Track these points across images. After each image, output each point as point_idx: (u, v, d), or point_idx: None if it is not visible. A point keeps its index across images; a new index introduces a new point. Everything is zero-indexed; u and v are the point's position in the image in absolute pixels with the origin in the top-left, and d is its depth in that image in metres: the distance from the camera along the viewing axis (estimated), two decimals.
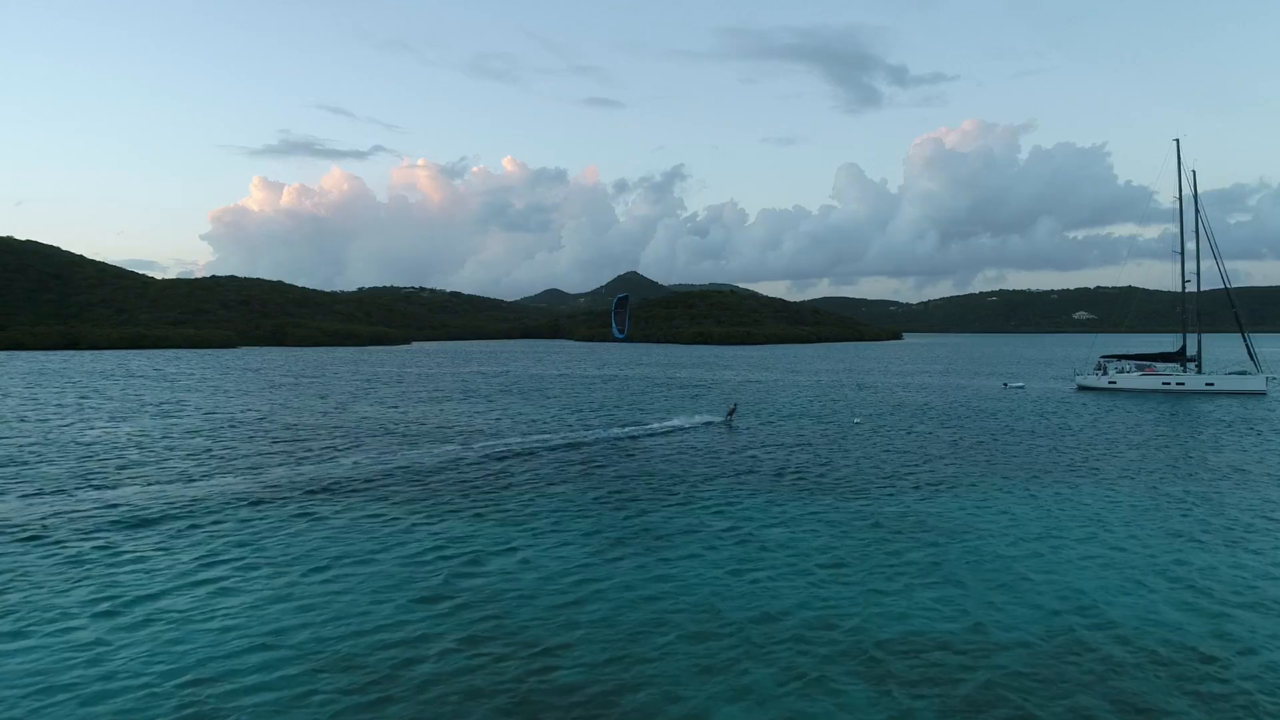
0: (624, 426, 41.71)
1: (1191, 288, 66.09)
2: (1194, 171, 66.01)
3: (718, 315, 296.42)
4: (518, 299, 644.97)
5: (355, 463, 30.02)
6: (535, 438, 37.30)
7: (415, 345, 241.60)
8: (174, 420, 43.26)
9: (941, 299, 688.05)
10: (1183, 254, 65.61)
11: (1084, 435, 39.03)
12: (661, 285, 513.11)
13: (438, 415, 47.36)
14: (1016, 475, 28.41)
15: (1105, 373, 68.22)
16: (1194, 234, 65.09)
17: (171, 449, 33.24)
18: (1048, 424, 43.69)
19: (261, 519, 21.10)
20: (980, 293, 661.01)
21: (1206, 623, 14.12)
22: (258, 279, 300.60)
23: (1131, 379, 66.34)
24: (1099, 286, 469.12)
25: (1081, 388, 68.28)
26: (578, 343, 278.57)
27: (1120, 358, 70.26)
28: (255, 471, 28.04)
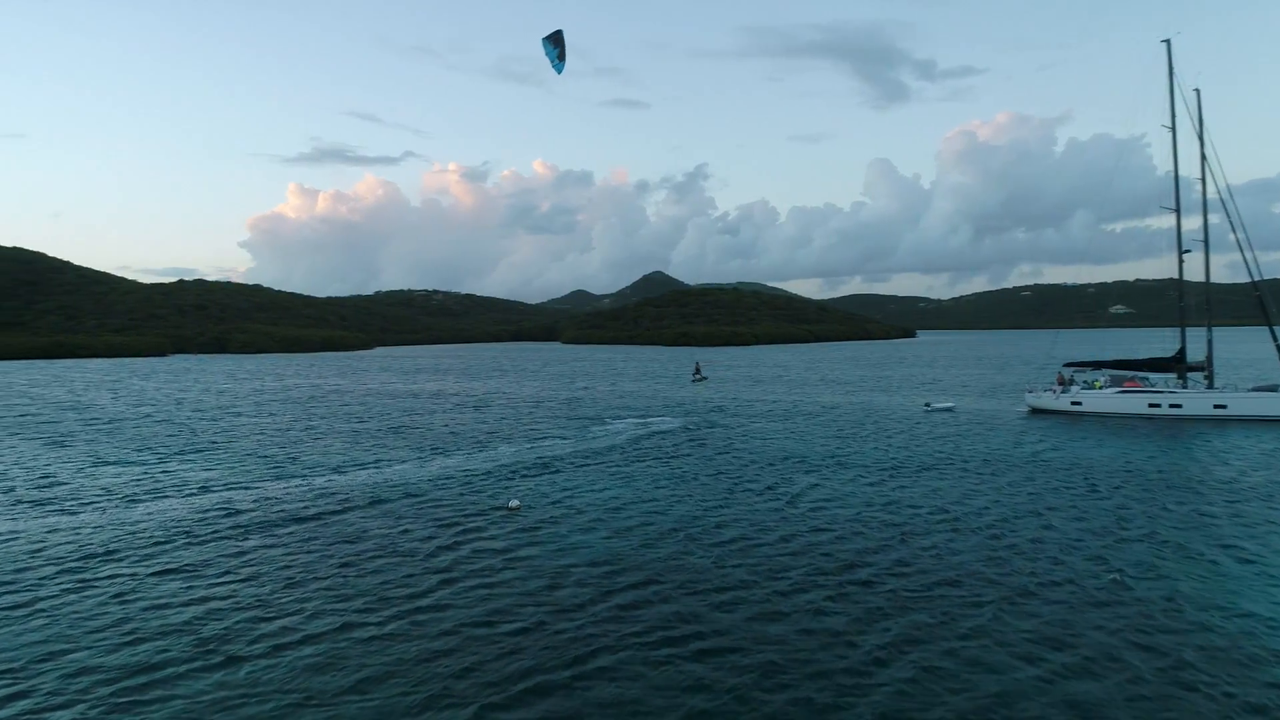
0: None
1: (1196, 261, 44.00)
2: (1197, 91, 43.90)
3: (710, 314, 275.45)
4: (544, 301, 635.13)
5: None
6: None
7: (378, 350, 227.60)
8: None
9: (973, 295, 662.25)
10: (1177, 208, 43.39)
11: (981, 543, 17.72)
12: (686, 285, 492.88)
13: None
14: None
15: (1067, 388, 46.13)
16: (1199, 184, 42.99)
17: None
18: (929, 510, 22.19)
19: None
20: (1014, 288, 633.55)
21: None
22: (223, 282, 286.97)
23: (1104, 398, 44.21)
24: (1138, 279, 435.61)
25: (1034, 410, 46.40)
26: (556, 345, 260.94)
27: (1091, 366, 48.05)
28: None
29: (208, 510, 22.28)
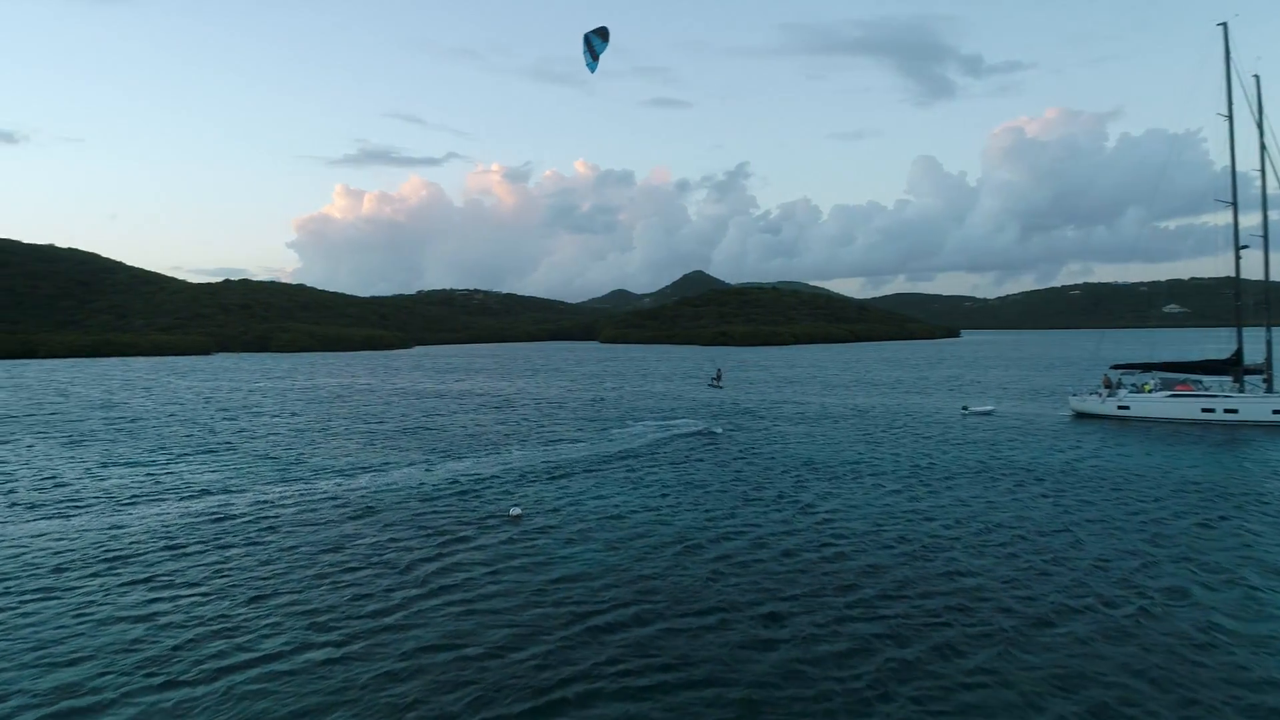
0: None
1: (1255, 257, 41.48)
2: (1256, 77, 41.52)
3: (749, 313, 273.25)
4: (584, 300, 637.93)
5: None
6: None
7: (416, 350, 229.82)
8: None
9: (1020, 294, 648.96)
10: (1234, 202, 40.91)
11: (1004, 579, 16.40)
12: (727, 284, 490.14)
13: None
14: None
15: (1114, 392, 43.87)
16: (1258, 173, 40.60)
17: None
18: (948, 524, 20.81)
19: None
20: (1062, 286, 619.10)
21: None
22: (268, 282, 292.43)
23: (1153, 403, 41.90)
24: (1193, 278, 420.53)
25: (1078, 414, 44.26)
26: (594, 344, 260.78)
27: (1141, 368, 45.64)
28: None
29: (199, 515, 21.74)
